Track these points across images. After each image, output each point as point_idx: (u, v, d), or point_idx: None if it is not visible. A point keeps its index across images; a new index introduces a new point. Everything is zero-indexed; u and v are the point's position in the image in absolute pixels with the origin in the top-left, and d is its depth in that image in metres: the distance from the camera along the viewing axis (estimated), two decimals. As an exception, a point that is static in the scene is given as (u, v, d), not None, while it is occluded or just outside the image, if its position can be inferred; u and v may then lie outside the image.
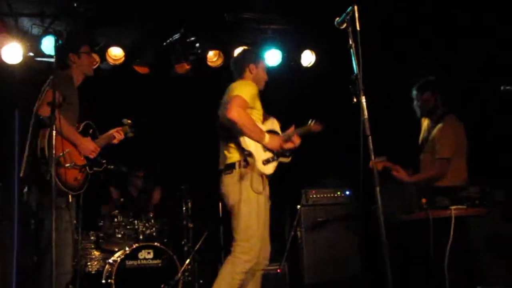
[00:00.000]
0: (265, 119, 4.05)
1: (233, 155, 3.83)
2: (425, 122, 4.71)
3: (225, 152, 3.88)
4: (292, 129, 4.20)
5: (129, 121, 4.52)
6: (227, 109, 3.68)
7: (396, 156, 4.68)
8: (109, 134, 4.35)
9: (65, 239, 3.79)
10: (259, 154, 3.85)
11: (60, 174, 3.74)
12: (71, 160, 3.86)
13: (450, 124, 4.46)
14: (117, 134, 4.39)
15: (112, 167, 4.33)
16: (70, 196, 3.87)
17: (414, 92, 4.65)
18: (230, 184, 3.80)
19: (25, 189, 3.94)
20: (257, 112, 3.95)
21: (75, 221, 4.10)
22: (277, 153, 3.98)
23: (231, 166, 3.81)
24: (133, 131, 4.56)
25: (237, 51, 4.33)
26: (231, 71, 4.17)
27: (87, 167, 4.03)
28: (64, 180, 3.79)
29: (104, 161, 4.22)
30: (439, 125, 4.49)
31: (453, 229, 3.83)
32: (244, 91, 3.80)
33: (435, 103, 4.56)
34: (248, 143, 3.78)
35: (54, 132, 3.43)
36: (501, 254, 4.36)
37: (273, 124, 4.13)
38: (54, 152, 3.48)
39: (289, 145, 4.08)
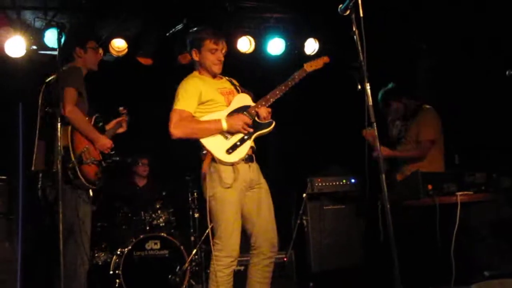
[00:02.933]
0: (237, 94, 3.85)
1: (200, 153, 3.74)
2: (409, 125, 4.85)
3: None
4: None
5: (124, 110, 4.56)
6: (169, 127, 3.63)
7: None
8: (114, 124, 4.42)
9: (84, 231, 3.96)
10: (219, 146, 3.63)
11: (82, 170, 3.90)
12: (91, 155, 3.99)
13: (429, 112, 4.72)
14: (124, 123, 4.47)
15: (117, 158, 4.37)
16: (91, 190, 4.02)
17: (381, 105, 4.86)
18: (203, 179, 3.66)
19: (39, 184, 4.01)
20: (211, 103, 3.71)
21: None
22: (248, 132, 3.68)
23: (201, 162, 3.69)
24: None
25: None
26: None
27: (102, 161, 4.13)
28: (87, 176, 3.93)
29: (112, 152, 4.28)
30: (417, 117, 4.73)
31: (459, 215, 3.83)
32: (182, 100, 3.65)
33: (405, 107, 4.81)
34: (204, 142, 3.63)
35: (59, 126, 3.49)
36: (507, 239, 4.36)
37: (243, 100, 3.81)
38: (74, 150, 3.79)
39: (262, 113, 3.75)
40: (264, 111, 3.76)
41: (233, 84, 3.94)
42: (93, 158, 3.98)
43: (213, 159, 3.61)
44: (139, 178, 6.52)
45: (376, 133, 3.11)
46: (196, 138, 3.63)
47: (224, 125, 3.62)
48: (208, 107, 3.71)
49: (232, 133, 3.65)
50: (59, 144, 3.48)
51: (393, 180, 4.63)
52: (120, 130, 4.54)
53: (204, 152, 3.66)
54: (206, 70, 3.81)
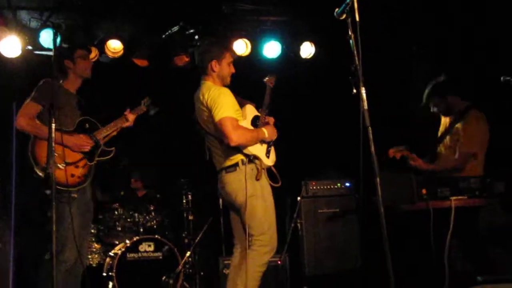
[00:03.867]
0: (242, 106, 3.99)
1: (234, 157, 3.82)
2: (446, 118, 4.72)
3: (223, 153, 3.87)
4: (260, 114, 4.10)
5: (147, 101, 4.55)
6: (225, 137, 3.68)
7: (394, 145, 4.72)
8: (117, 121, 4.43)
9: (65, 232, 3.94)
10: (260, 151, 3.88)
11: (56, 176, 3.81)
12: (63, 160, 4.00)
13: (475, 119, 4.46)
14: (129, 116, 4.44)
15: (111, 151, 4.35)
16: (71, 192, 4.00)
17: (424, 104, 4.69)
18: (235, 181, 3.80)
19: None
20: (238, 113, 3.90)
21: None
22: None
23: (235, 165, 3.81)
24: (155, 109, 4.58)
25: (200, 43, 4.13)
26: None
27: (86, 160, 4.09)
28: (62, 180, 3.92)
29: (112, 148, 4.28)
30: (463, 121, 4.48)
31: (453, 219, 3.83)
32: (227, 108, 3.73)
33: (447, 105, 4.60)
34: (250, 148, 3.81)
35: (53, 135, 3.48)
36: (501, 244, 4.37)
37: (252, 110, 4.04)
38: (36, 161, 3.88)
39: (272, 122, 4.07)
40: (272, 121, 4.05)
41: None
42: (66, 161, 4.00)
43: (252, 162, 3.80)
44: (138, 189, 6.53)
45: (365, 105, 3.09)
46: (246, 145, 3.79)
47: (266, 135, 3.89)
48: (237, 116, 3.86)
49: (264, 141, 3.92)
50: (53, 146, 3.46)
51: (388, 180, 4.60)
52: (126, 124, 4.50)
53: (252, 156, 3.81)
54: (221, 81, 3.96)
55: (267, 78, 4.12)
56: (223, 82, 3.96)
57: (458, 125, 4.52)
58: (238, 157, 3.80)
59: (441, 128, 4.77)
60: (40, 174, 3.92)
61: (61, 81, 4.29)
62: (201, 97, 3.85)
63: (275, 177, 3.96)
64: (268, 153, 3.92)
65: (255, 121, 3.96)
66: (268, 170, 3.97)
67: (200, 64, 3.98)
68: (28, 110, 4.03)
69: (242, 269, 3.75)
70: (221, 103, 3.74)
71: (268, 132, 3.90)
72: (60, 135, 4.00)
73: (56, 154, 3.90)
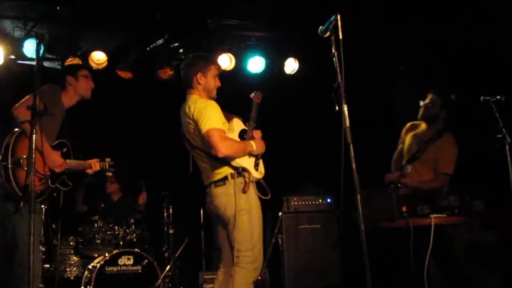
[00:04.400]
0: (228, 120, 3.98)
1: (223, 170, 3.77)
2: (422, 125, 4.78)
3: (210, 167, 3.82)
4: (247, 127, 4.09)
5: (110, 162, 4.52)
6: (213, 149, 3.63)
7: (376, 162, 4.75)
8: (84, 162, 4.38)
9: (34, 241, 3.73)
10: (248, 163, 3.85)
11: (16, 175, 3.78)
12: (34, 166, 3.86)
13: (452, 142, 4.62)
14: (94, 165, 4.40)
15: (69, 185, 4.29)
16: (20, 202, 3.73)
17: (431, 95, 4.72)
18: (223, 195, 3.75)
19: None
20: (225, 126, 3.87)
21: (54, 226, 4.07)
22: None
23: (224, 179, 3.76)
24: (112, 171, 4.62)
25: (186, 58, 4.08)
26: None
27: (48, 180, 4.02)
28: (19, 182, 3.79)
29: (70, 183, 4.22)
30: (440, 140, 4.61)
31: (433, 237, 3.86)
32: (214, 119, 3.70)
33: (437, 114, 4.67)
34: (238, 161, 3.78)
35: (34, 136, 3.42)
36: (480, 262, 4.41)
37: (239, 124, 4.03)
38: (14, 151, 3.73)
39: (257, 136, 4.04)
40: (259, 135, 4.03)
41: None
42: (35, 170, 3.89)
43: (239, 174, 3.76)
44: (113, 193, 6.46)
45: (347, 123, 3.12)
46: (234, 157, 3.76)
47: (254, 148, 3.87)
48: (224, 128, 3.84)
49: (252, 154, 3.89)
50: (33, 157, 3.41)
51: (369, 197, 4.66)
52: (89, 171, 4.46)
53: (241, 169, 3.77)
54: (207, 94, 3.93)
55: (253, 94, 4.12)
56: (209, 95, 3.93)
57: (436, 144, 4.62)
58: (227, 170, 3.76)
59: (409, 141, 4.82)
60: (10, 166, 3.76)
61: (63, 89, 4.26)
62: (187, 110, 3.81)
63: (264, 190, 3.91)
64: (256, 166, 3.89)
65: (242, 135, 3.94)
66: (257, 183, 3.93)
67: (186, 77, 3.95)
68: (28, 102, 3.79)
69: (230, 286, 3.69)
70: (208, 114, 3.70)
71: (256, 145, 3.88)
72: (46, 144, 3.96)
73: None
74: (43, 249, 4.35)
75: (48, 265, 5.23)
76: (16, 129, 3.91)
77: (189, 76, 3.92)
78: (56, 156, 4.10)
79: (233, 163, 3.76)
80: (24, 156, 3.79)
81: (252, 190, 3.80)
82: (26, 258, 3.59)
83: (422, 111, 4.75)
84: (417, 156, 4.67)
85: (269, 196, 3.91)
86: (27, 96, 3.90)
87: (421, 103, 4.74)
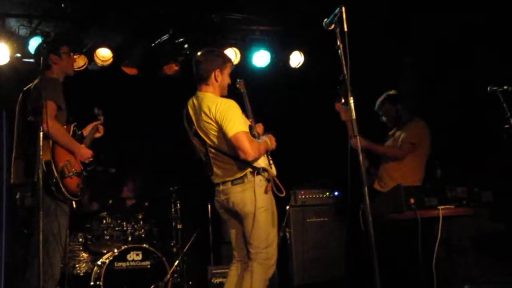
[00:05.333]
0: None
1: (243, 170, 3.73)
2: (396, 133, 5.01)
3: (229, 166, 3.77)
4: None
5: (99, 110, 4.52)
6: (242, 152, 3.59)
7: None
8: (90, 129, 4.40)
9: (61, 243, 3.90)
10: (265, 162, 3.82)
11: (64, 184, 3.86)
12: (72, 168, 3.95)
13: (418, 122, 4.91)
14: (98, 127, 4.45)
15: (100, 169, 4.34)
16: (73, 202, 3.99)
17: (376, 110, 5.08)
18: (243, 191, 3.72)
19: (18, 195, 3.98)
20: (246, 124, 3.84)
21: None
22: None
23: (242, 177, 3.73)
24: (114, 172, 4.69)
25: (202, 52, 3.97)
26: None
27: (83, 171, 4.10)
28: (69, 189, 3.89)
29: (92, 159, 4.27)
30: (408, 124, 4.92)
31: (441, 228, 3.86)
32: (240, 122, 3.67)
33: (396, 112, 5.00)
34: (259, 161, 3.75)
35: (41, 135, 3.46)
36: (488, 253, 4.40)
37: (245, 119, 3.92)
38: (56, 164, 3.78)
39: (261, 131, 4.04)
40: (261, 129, 4.03)
41: None
42: (75, 170, 3.96)
43: (259, 174, 3.73)
44: (126, 189, 6.50)
45: (353, 115, 3.13)
46: (258, 159, 3.74)
47: (270, 145, 3.87)
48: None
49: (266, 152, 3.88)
50: (40, 154, 3.45)
51: (372, 190, 4.70)
52: (97, 135, 4.50)
53: (262, 169, 3.74)
54: (220, 91, 3.90)
55: (238, 85, 4.07)
56: (222, 92, 3.90)
57: (402, 131, 4.92)
58: (247, 170, 3.73)
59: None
60: (54, 181, 3.79)
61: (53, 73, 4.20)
62: (207, 110, 3.73)
63: (279, 187, 3.88)
64: (269, 163, 3.87)
65: (251, 132, 3.86)
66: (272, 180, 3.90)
67: (202, 72, 3.86)
68: (51, 110, 3.80)
69: (246, 282, 3.68)
70: (234, 117, 3.66)
71: (270, 141, 3.88)
72: (73, 141, 4.03)
73: (67, 161, 3.91)
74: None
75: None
76: (45, 141, 3.81)
77: (206, 72, 3.85)
78: (83, 149, 4.13)
79: (255, 164, 3.72)
80: (66, 161, 3.89)
81: (268, 187, 3.77)
82: (55, 254, 3.82)
83: (388, 123, 5.11)
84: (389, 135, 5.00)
85: (284, 194, 3.89)
86: (49, 105, 3.79)
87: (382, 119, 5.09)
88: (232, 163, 3.75)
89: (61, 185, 3.81)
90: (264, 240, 3.71)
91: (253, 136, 3.83)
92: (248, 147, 3.59)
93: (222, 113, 3.66)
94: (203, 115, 3.75)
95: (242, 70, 6.24)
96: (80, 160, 4.08)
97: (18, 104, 4.11)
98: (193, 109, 3.86)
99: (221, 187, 3.82)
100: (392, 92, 5.06)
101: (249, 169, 3.72)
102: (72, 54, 4.40)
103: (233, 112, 3.68)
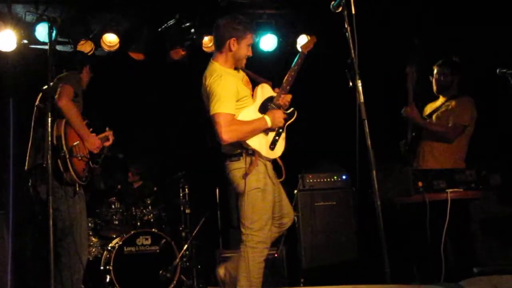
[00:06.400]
0: (256, 84, 3.84)
1: (237, 147, 3.64)
2: (438, 101, 4.71)
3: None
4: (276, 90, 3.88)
5: (110, 131, 4.57)
6: (216, 135, 3.48)
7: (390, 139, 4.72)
8: (102, 137, 4.44)
9: (80, 225, 4.00)
10: (263, 142, 3.67)
11: (73, 163, 3.90)
12: (81, 151, 3.99)
13: (467, 99, 4.51)
14: (109, 136, 4.46)
15: (109, 154, 4.37)
16: (77, 185, 3.98)
17: (436, 68, 4.65)
18: (237, 170, 3.63)
19: (30, 183, 4.04)
20: (244, 99, 3.69)
21: None
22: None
23: (238, 155, 3.64)
24: (123, 157, 4.62)
25: (225, 17, 3.78)
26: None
27: (90, 162, 4.14)
28: (76, 169, 3.92)
29: (99, 159, 4.30)
30: (455, 100, 4.52)
31: (450, 212, 3.85)
32: (223, 101, 3.49)
33: (451, 82, 4.59)
34: (249, 142, 3.61)
35: (49, 121, 3.50)
36: (497, 236, 4.39)
37: (265, 91, 3.83)
38: (66, 142, 3.83)
39: (284, 102, 3.82)
40: (286, 100, 3.82)
41: (244, 71, 3.91)
42: (83, 154, 3.99)
43: (253, 155, 3.61)
44: (131, 175, 6.53)
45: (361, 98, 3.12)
46: (243, 140, 3.59)
47: (269, 123, 3.63)
48: (242, 103, 3.66)
49: (272, 129, 3.69)
50: (49, 139, 3.47)
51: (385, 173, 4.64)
52: (106, 144, 4.54)
53: (250, 151, 3.61)
54: (235, 62, 3.73)
55: (305, 43, 3.93)
56: (236, 63, 3.73)
57: (450, 103, 4.55)
58: (240, 148, 3.63)
59: (432, 109, 4.74)
60: (62, 155, 3.84)
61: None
62: (203, 79, 3.64)
63: (280, 170, 3.79)
64: (273, 144, 3.69)
65: (266, 104, 3.72)
66: (274, 162, 3.80)
67: (218, 38, 3.71)
68: (68, 91, 3.91)
69: (241, 267, 3.62)
70: (218, 95, 3.49)
71: (271, 119, 3.63)
72: (85, 128, 4.09)
73: (76, 143, 3.95)
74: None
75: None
76: (58, 119, 3.92)
77: (221, 38, 3.69)
78: (94, 138, 4.17)
79: (245, 145, 3.60)
80: (76, 143, 3.92)
81: (264, 170, 3.66)
82: (78, 237, 3.93)
83: (434, 86, 4.68)
84: (435, 111, 4.62)
85: (283, 178, 3.81)
86: (66, 87, 3.92)
87: (431, 78, 4.66)
88: None
89: (68, 161, 3.84)
90: (256, 221, 3.61)
91: (265, 108, 3.70)
92: (221, 130, 3.45)
93: (212, 88, 3.54)
94: (203, 83, 3.67)
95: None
96: (89, 148, 4.11)
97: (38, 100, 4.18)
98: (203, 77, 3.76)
99: (224, 163, 3.74)
100: (456, 59, 4.68)
101: (243, 149, 3.62)
102: (90, 72, 4.53)
103: (221, 89, 3.51)
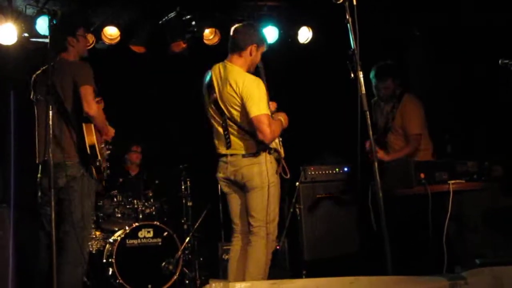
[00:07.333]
0: None
1: (255, 147, 3.74)
2: (386, 106, 4.92)
3: (241, 141, 3.77)
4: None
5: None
6: (261, 134, 3.61)
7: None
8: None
9: (91, 221, 4.17)
10: (277, 141, 3.88)
11: (102, 165, 3.99)
12: (103, 149, 4.09)
13: (411, 102, 4.79)
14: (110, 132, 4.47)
15: (111, 147, 4.38)
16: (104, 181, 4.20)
17: (374, 80, 4.84)
18: (254, 165, 3.73)
19: (39, 174, 4.04)
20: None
21: None
22: None
23: (254, 153, 3.74)
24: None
25: (244, 23, 4.03)
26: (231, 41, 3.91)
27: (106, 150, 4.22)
28: (104, 169, 4.04)
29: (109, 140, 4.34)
30: (401, 105, 4.80)
31: (451, 203, 3.85)
32: (264, 104, 3.68)
33: (394, 89, 4.84)
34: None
35: (50, 114, 3.51)
36: (499, 228, 4.39)
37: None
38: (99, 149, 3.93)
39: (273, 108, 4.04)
40: (274, 107, 4.03)
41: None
42: (106, 152, 4.12)
43: (269, 152, 3.77)
44: (131, 166, 6.51)
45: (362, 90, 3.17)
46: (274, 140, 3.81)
47: (284, 124, 3.91)
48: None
49: None
50: (50, 132, 3.47)
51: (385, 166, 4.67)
52: (105, 137, 4.57)
53: (273, 150, 3.79)
54: (249, 67, 3.89)
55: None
56: (250, 68, 3.89)
57: (398, 111, 4.80)
58: (258, 146, 3.74)
59: (380, 116, 4.99)
60: (98, 164, 3.92)
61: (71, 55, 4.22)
62: (233, 83, 3.70)
63: (284, 169, 3.90)
64: (280, 144, 3.92)
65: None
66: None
67: (238, 42, 3.82)
68: (91, 95, 3.88)
69: (251, 257, 3.73)
70: (259, 97, 3.66)
71: (284, 120, 3.91)
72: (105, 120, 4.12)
73: (102, 145, 4.06)
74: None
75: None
76: (86, 125, 3.93)
77: (243, 42, 3.81)
78: (110, 128, 4.21)
79: (269, 144, 3.76)
80: (102, 145, 4.04)
81: (276, 167, 3.82)
82: (87, 231, 4.00)
83: (378, 96, 4.93)
84: (388, 127, 4.85)
85: (288, 176, 3.92)
86: (88, 89, 3.87)
87: (374, 87, 4.86)
88: (247, 139, 3.75)
89: (102, 168, 3.96)
90: (268, 215, 3.74)
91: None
92: (268, 131, 3.62)
93: (249, 91, 3.66)
94: (228, 87, 3.72)
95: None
96: (106, 139, 4.18)
97: (37, 87, 4.10)
98: (218, 77, 3.82)
99: (229, 158, 3.80)
100: (390, 62, 4.89)
101: (261, 146, 3.73)
102: (86, 35, 4.43)
103: (259, 92, 3.68)
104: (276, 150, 3.81)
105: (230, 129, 3.78)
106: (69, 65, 3.98)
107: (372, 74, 4.81)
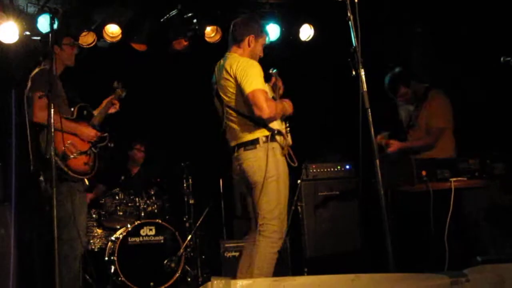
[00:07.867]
0: None
1: (255, 132, 3.70)
2: (408, 106, 4.90)
3: (241, 128, 3.74)
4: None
5: (118, 84, 4.53)
6: (258, 109, 3.56)
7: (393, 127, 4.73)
8: (104, 105, 4.42)
9: (83, 220, 4.13)
10: (282, 127, 3.81)
11: (69, 165, 3.98)
12: (76, 148, 4.05)
13: (438, 97, 4.69)
14: (113, 102, 4.46)
15: (112, 145, 4.38)
16: (86, 180, 4.12)
17: (389, 93, 4.85)
18: (254, 159, 3.67)
19: (41, 177, 4.08)
20: (265, 85, 3.83)
21: None
22: None
23: (254, 142, 3.69)
24: (125, 90, 4.62)
25: (243, 16, 4.07)
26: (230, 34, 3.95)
27: (92, 148, 4.14)
28: (76, 169, 4.01)
29: (105, 134, 4.30)
30: (427, 102, 4.70)
31: (453, 200, 3.85)
32: (259, 80, 3.65)
33: (413, 91, 4.78)
34: (271, 125, 3.72)
35: (52, 110, 3.53)
36: (500, 225, 4.39)
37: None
38: (55, 150, 3.72)
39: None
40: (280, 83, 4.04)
41: None
42: (79, 151, 4.05)
43: (273, 140, 3.70)
44: (133, 165, 6.52)
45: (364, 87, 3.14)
46: (275, 119, 3.71)
47: (289, 109, 3.84)
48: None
49: (284, 119, 3.85)
50: (52, 130, 3.48)
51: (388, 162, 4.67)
52: (112, 110, 4.52)
53: (275, 131, 3.71)
54: (250, 58, 3.85)
55: (272, 71, 4.08)
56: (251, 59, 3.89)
57: (423, 108, 4.72)
58: (260, 133, 3.69)
59: (404, 115, 4.95)
60: (60, 163, 3.92)
61: (46, 66, 4.20)
62: (228, 67, 3.72)
63: (291, 157, 3.83)
64: (287, 131, 3.86)
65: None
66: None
67: (236, 34, 3.87)
68: (41, 102, 3.91)
69: (254, 257, 3.66)
70: (253, 75, 3.64)
71: (288, 106, 3.86)
72: (72, 124, 4.10)
73: (68, 143, 4.01)
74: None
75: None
76: (41, 133, 3.98)
77: (241, 34, 3.86)
78: (87, 129, 4.20)
79: (270, 124, 3.70)
80: (68, 143, 4.00)
81: (280, 152, 3.74)
82: (75, 237, 3.99)
83: (400, 102, 4.92)
84: (411, 124, 4.79)
85: (296, 164, 3.85)
86: (32, 98, 3.98)
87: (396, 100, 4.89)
88: (245, 123, 3.72)
89: (63, 167, 3.93)
90: (271, 211, 3.65)
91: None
92: (265, 105, 3.56)
93: (243, 70, 3.66)
94: (224, 72, 3.75)
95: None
96: (86, 140, 4.13)
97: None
98: (217, 68, 3.87)
99: (235, 154, 3.79)
100: (397, 70, 4.84)
101: (264, 133, 3.68)
102: (74, 45, 4.43)
103: (254, 70, 3.67)
104: (280, 132, 3.73)
105: (229, 117, 3.78)
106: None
107: (386, 84, 4.85)
